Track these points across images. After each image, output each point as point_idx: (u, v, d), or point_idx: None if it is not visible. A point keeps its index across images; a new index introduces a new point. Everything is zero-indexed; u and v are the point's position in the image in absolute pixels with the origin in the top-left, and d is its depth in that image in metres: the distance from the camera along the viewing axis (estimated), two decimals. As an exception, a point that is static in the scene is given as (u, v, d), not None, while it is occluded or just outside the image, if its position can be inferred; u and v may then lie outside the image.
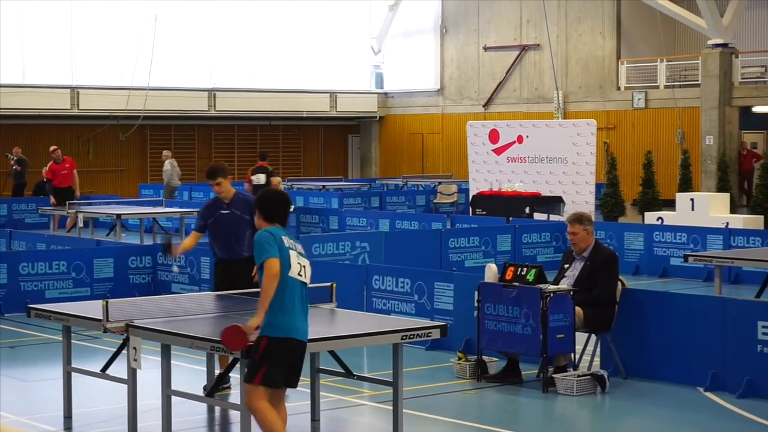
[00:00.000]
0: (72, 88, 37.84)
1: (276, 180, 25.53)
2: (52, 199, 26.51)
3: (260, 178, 25.47)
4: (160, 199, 28.58)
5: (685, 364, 11.21)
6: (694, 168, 32.52)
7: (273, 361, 7.74)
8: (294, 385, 8.06)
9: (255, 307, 10.17)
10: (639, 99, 36.69)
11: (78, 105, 37.89)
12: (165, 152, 33.03)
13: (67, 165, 26.87)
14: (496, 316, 11.29)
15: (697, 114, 34.48)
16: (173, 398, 9.14)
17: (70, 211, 24.47)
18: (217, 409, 10.16)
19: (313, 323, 9.34)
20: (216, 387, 9.50)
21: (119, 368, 9.68)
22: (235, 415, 8.71)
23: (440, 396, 10.89)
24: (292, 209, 26.44)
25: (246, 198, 11.41)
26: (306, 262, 7.99)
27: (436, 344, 12.72)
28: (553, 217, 25.17)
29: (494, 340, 11.35)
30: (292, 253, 7.86)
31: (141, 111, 37.83)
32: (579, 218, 11.73)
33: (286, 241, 7.88)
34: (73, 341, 10.26)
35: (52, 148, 27.64)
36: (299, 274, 7.87)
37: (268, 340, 7.73)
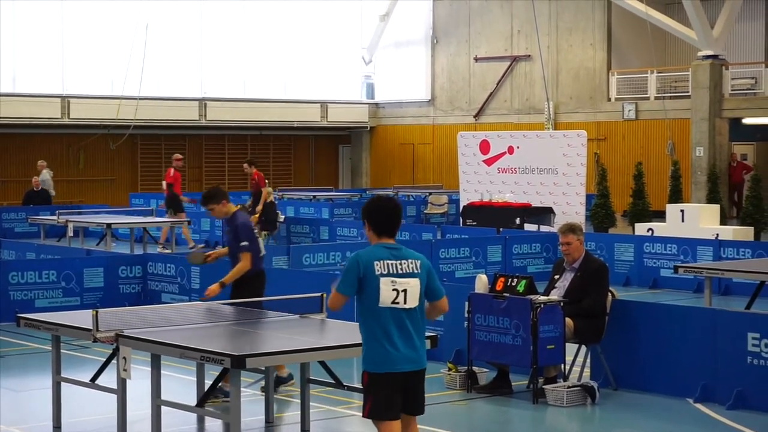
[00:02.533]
0: (63, 97, 37.82)
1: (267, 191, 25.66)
2: (185, 199, 26.70)
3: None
4: (151, 208, 28.52)
5: (675, 375, 11.22)
6: (685, 179, 32.56)
7: (375, 395, 7.32)
8: (414, 412, 7.54)
9: (246, 317, 10.21)
10: (629, 110, 36.75)
11: (69, 114, 37.86)
12: (40, 162, 32.69)
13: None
14: (487, 326, 11.29)
15: (688, 125, 34.55)
16: (163, 408, 9.13)
17: (60, 219, 24.44)
18: (207, 419, 10.14)
19: (303, 333, 9.35)
20: (207, 396, 9.48)
21: (109, 378, 9.66)
22: (225, 426, 8.71)
23: (430, 407, 10.82)
24: (282, 219, 26.77)
25: (235, 220, 11.34)
26: (411, 283, 7.29)
27: (427, 354, 12.68)
28: (544, 228, 25.18)
29: (484, 351, 11.35)
30: (385, 280, 7.24)
31: (131, 120, 37.80)
32: (572, 228, 11.75)
33: (382, 266, 7.27)
34: (62, 351, 10.24)
35: (177, 156, 27.57)
36: (395, 302, 7.26)
37: (368, 375, 7.34)
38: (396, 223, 7.44)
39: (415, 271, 7.35)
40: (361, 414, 7.57)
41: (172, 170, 26.47)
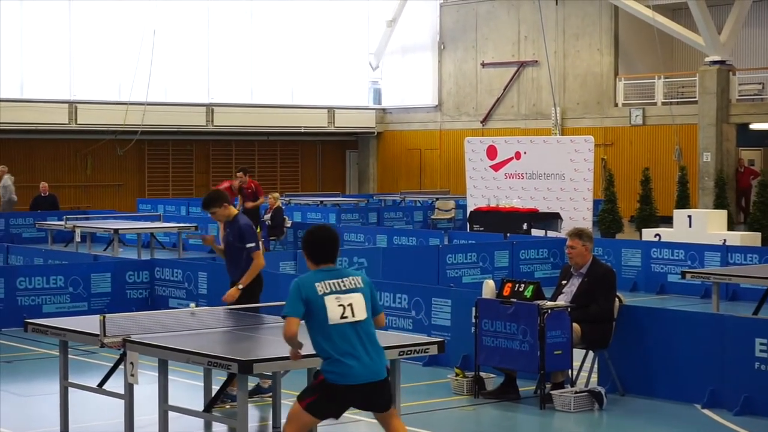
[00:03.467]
0: (70, 103, 37.85)
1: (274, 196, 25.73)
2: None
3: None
4: (158, 214, 28.54)
5: (683, 380, 11.20)
6: (692, 185, 32.53)
7: (323, 398, 7.47)
8: (384, 410, 7.62)
9: (254, 322, 10.21)
10: (636, 115, 36.73)
11: (76, 119, 37.90)
12: (0, 167, 32.62)
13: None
14: (494, 332, 11.29)
15: (695, 131, 34.50)
16: (170, 413, 9.13)
17: (67, 224, 24.47)
18: (215, 424, 10.14)
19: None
20: (215, 401, 9.48)
21: (116, 383, 9.67)
22: (231, 431, 8.71)
23: (437, 412, 10.88)
24: (289, 224, 26.78)
25: (237, 222, 11.36)
26: (354, 297, 7.46)
27: (434, 360, 12.71)
28: (551, 234, 25.18)
29: (491, 357, 11.35)
30: (330, 298, 7.39)
31: (139, 126, 37.85)
32: (579, 233, 11.74)
33: (323, 286, 7.42)
34: (70, 356, 10.25)
35: (239, 173, 27.65)
36: (343, 317, 7.39)
37: (324, 378, 7.45)
38: (333, 250, 7.62)
39: (358, 286, 7.54)
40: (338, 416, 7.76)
41: (227, 182, 26.42)
